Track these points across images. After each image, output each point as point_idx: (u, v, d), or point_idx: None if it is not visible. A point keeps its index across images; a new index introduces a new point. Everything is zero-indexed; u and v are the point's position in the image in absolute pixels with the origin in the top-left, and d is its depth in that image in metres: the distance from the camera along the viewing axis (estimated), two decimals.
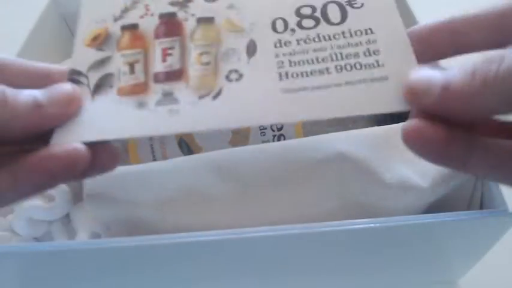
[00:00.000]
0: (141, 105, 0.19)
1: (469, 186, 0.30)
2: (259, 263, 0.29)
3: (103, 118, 0.19)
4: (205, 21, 0.22)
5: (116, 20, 0.22)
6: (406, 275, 0.34)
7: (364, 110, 0.18)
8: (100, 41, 0.21)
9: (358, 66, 0.19)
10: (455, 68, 0.16)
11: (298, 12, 0.21)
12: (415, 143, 0.16)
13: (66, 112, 0.18)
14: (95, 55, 0.21)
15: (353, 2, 0.21)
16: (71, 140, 0.18)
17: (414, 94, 0.17)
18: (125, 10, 0.22)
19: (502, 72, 0.15)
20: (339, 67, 0.19)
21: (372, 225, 0.25)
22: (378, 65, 0.19)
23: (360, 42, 0.20)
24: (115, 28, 0.22)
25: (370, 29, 0.20)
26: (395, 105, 0.18)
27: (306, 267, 0.31)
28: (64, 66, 0.20)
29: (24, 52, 0.37)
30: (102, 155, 0.18)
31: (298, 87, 0.19)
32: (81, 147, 0.17)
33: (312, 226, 0.25)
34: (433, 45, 0.19)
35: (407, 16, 0.39)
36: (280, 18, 0.21)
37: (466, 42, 0.18)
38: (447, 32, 0.18)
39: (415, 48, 0.19)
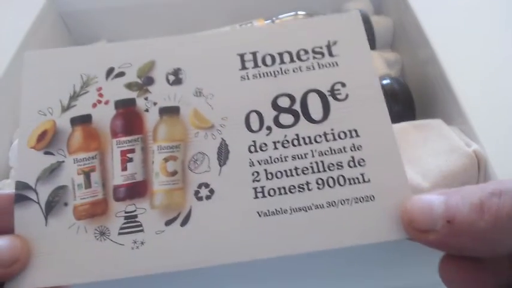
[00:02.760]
0: (103, 234, 0.17)
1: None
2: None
3: (59, 257, 0.17)
4: (169, 112, 0.19)
5: (64, 110, 0.19)
6: (407, 275, 0.35)
7: (351, 240, 0.17)
8: (47, 140, 0.18)
9: (341, 181, 0.17)
10: (457, 195, 0.14)
11: (275, 104, 0.19)
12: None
13: (10, 272, 0.16)
14: (42, 161, 0.18)
15: (336, 93, 0.19)
16: (23, 286, 0.16)
17: (416, 230, 0.15)
18: (74, 96, 0.19)
19: None
20: (320, 182, 0.17)
21: None
22: (364, 180, 0.17)
23: (344, 148, 0.18)
24: (64, 121, 0.19)
25: (355, 130, 0.18)
26: (386, 234, 0.17)
27: (306, 267, 0.31)
28: (9, 191, 0.17)
29: (22, 51, 0.35)
30: None
31: (275, 208, 0.17)
32: None
33: None
34: None
35: (408, 16, 0.37)
36: (255, 111, 0.19)
37: None
38: None
39: None
